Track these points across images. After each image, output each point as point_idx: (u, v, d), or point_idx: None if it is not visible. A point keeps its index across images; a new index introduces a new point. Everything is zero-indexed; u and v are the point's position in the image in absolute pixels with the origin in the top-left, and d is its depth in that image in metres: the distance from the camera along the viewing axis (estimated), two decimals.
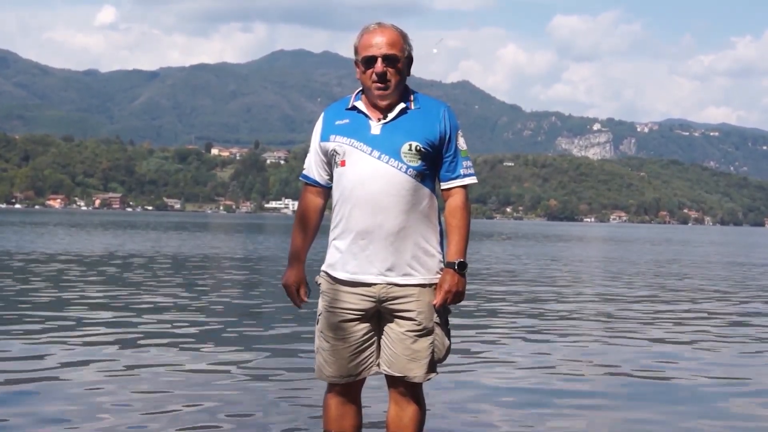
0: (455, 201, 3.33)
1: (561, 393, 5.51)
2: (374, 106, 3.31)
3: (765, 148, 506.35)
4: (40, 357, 6.24)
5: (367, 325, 3.33)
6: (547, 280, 15.50)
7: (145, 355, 6.47)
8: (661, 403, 5.33)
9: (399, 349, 3.29)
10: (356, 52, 3.33)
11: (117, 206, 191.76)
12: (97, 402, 4.91)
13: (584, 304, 11.23)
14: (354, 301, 3.30)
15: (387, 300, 3.28)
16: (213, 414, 4.72)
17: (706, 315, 10.32)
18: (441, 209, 3.39)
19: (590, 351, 7.28)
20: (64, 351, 6.49)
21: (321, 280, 3.41)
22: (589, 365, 6.56)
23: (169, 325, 8.10)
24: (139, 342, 7.04)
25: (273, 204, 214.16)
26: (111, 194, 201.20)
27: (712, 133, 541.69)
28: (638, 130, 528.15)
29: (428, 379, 3.34)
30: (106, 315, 8.70)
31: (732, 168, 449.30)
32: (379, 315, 3.33)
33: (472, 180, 3.37)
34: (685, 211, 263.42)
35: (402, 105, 3.30)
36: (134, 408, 4.78)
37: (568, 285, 14.41)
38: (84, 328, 7.69)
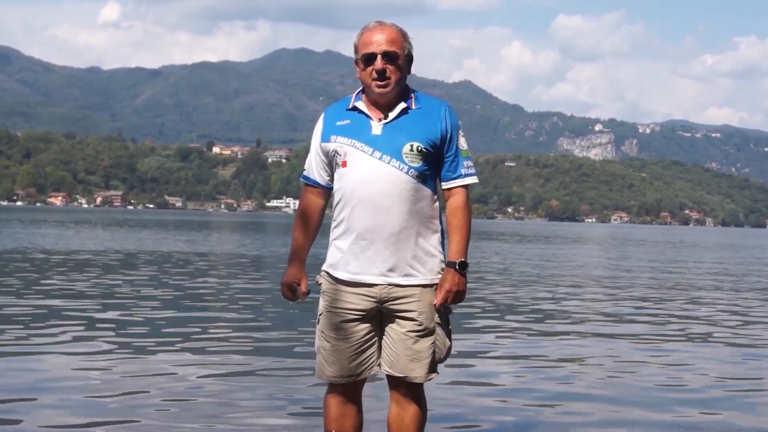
0: (456, 201, 3.33)
1: (563, 395, 5.50)
2: (375, 105, 3.30)
3: (767, 149, 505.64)
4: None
5: (368, 325, 3.33)
6: (553, 281, 15.48)
7: (143, 354, 6.47)
8: (668, 411, 5.32)
9: (400, 350, 3.29)
10: (356, 50, 3.33)
11: (118, 204, 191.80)
12: (84, 401, 4.91)
13: (590, 305, 11.20)
14: (355, 301, 3.29)
15: (388, 300, 3.27)
16: (212, 414, 4.71)
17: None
18: (442, 209, 3.40)
19: (594, 353, 7.27)
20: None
21: (322, 279, 3.41)
22: (592, 367, 6.55)
23: (165, 322, 8.11)
24: (137, 341, 7.05)
25: (274, 203, 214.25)
26: (112, 192, 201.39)
27: (714, 135, 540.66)
28: (640, 130, 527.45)
29: (429, 380, 3.34)
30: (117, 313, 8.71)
31: (734, 169, 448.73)
32: (380, 315, 3.33)
33: (473, 180, 3.37)
34: (687, 212, 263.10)
35: (403, 105, 3.29)
36: (129, 407, 4.78)
37: (578, 287, 14.38)
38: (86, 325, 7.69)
